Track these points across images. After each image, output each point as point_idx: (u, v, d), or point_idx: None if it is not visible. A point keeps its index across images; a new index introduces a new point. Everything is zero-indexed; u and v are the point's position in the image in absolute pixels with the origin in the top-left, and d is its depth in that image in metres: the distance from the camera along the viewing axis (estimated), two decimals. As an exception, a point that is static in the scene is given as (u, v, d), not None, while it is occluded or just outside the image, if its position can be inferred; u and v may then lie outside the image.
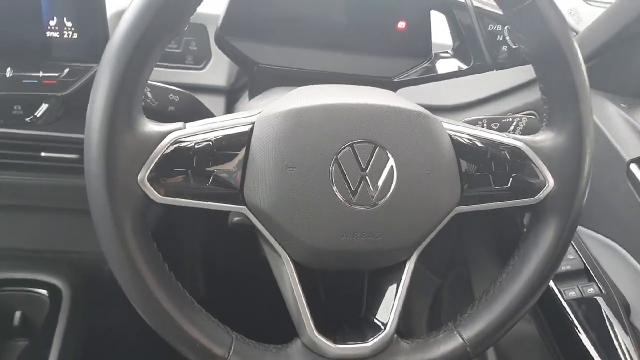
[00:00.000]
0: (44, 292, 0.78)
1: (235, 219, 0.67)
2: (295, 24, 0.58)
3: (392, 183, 0.43)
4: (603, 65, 0.77)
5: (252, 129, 0.42)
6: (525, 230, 0.51)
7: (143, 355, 1.03)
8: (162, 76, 0.65)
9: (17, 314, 0.77)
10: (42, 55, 0.56)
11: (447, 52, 0.63)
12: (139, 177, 0.39)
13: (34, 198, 0.77)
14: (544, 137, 0.48)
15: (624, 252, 0.71)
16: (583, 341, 0.68)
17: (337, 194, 0.42)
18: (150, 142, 0.39)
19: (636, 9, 0.67)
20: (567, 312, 0.70)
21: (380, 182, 0.43)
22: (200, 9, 0.41)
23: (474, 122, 0.58)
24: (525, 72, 0.79)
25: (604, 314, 0.70)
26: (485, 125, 0.58)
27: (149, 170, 0.39)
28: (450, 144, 0.45)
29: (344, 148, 0.42)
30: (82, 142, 0.65)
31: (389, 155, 0.43)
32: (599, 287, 0.71)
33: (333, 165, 0.42)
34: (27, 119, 0.57)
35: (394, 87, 0.62)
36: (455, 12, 0.58)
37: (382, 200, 0.42)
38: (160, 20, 0.38)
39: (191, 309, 0.43)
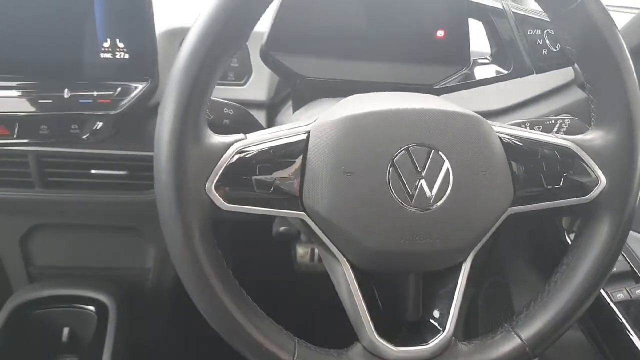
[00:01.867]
0: (92, 308, 0.80)
1: (282, 228, 0.68)
2: (337, 37, 0.59)
3: (448, 185, 0.44)
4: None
5: (308, 136, 0.44)
6: (577, 230, 0.51)
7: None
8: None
9: (65, 330, 0.78)
10: (96, 75, 0.59)
11: (485, 58, 0.64)
12: (206, 186, 0.40)
13: (80, 215, 0.79)
14: (594, 136, 0.48)
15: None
16: (635, 343, 0.67)
17: (395, 197, 0.43)
18: (216, 153, 0.41)
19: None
20: (616, 314, 0.69)
21: (437, 185, 0.43)
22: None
23: (517, 125, 0.59)
24: (558, 76, 0.80)
25: (654, 314, 0.69)
26: (528, 127, 0.58)
27: (215, 179, 0.41)
28: (501, 146, 0.46)
29: (400, 152, 0.43)
30: (130, 158, 0.68)
31: (444, 157, 0.44)
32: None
33: (390, 168, 0.43)
34: (84, 137, 0.59)
35: (434, 94, 0.63)
36: (494, 19, 0.59)
37: (439, 202, 0.43)
38: (223, 36, 0.40)
39: (256, 315, 0.44)
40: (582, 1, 0.44)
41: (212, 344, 0.45)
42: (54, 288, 0.82)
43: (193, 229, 0.40)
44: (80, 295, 0.81)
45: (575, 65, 0.81)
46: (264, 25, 0.58)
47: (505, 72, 0.61)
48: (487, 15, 0.60)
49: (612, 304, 0.70)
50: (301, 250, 0.79)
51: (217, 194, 0.41)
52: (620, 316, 0.69)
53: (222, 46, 0.40)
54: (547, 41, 0.57)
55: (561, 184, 0.47)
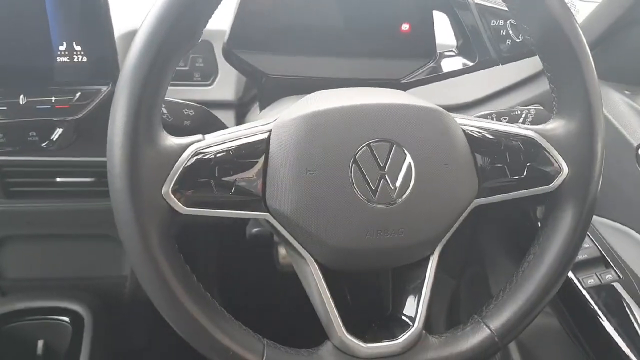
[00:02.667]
0: (66, 319, 0.78)
1: (254, 230, 0.67)
2: (301, 33, 0.59)
3: (410, 179, 0.43)
4: (603, 55, 0.78)
5: (269, 135, 0.43)
6: (542, 219, 0.51)
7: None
8: (171, 94, 0.65)
9: (40, 343, 0.77)
10: (53, 80, 0.57)
11: (451, 50, 0.64)
12: (163, 190, 0.39)
13: (49, 225, 0.77)
14: (555, 125, 0.48)
15: (638, 236, 0.71)
16: (606, 327, 0.68)
17: (358, 194, 0.42)
18: (172, 155, 0.40)
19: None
20: (587, 300, 0.70)
21: (399, 180, 0.43)
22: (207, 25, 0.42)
23: (483, 117, 0.59)
24: (528, 67, 0.81)
25: (624, 299, 0.70)
26: (494, 119, 0.59)
27: (172, 183, 0.40)
28: (464, 138, 0.46)
29: (362, 148, 0.42)
30: (96, 165, 0.66)
31: (406, 152, 0.43)
32: (616, 272, 0.71)
33: (352, 166, 0.42)
34: (43, 144, 0.57)
35: (401, 88, 0.62)
36: (458, 11, 0.59)
37: (402, 197, 0.43)
38: (174, 35, 0.39)
39: (222, 318, 0.43)
40: None
41: (195, 352, 0.44)
42: (26, 300, 0.80)
43: (151, 235, 0.39)
44: (53, 306, 0.79)
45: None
46: (225, 22, 0.57)
47: (471, 64, 0.61)
48: (451, 7, 0.60)
49: (583, 290, 0.71)
50: (283, 251, 0.78)
51: (174, 198, 0.40)
52: (592, 301, 0.70)
53: (172, 46, 0.39)
54: (511, 31, 0.57)
55: (525, 174, 0.47)
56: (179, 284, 0.40)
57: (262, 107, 0.61)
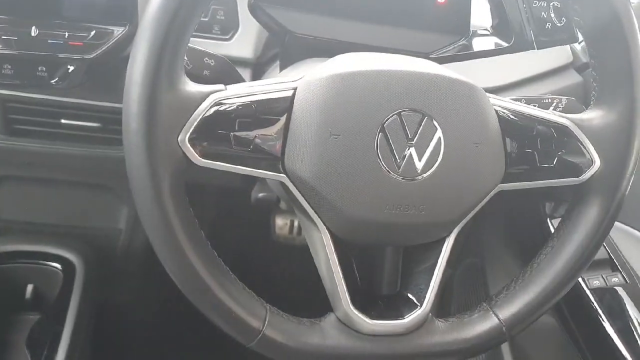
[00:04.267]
0: (58, 265, 0.76)
1: (260, 194, 0.65)
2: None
3: (438, 155, 0.41)
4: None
5: (294, 93, 0.41)
6: (565, 211, 0.49)
7: (153, 331, 1.02)
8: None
9: (29, 287, 0.75)
10: (68, 15, 0.54)
11: (486, 29, 0.61)
12: (179, 138, 0.37)
13: (49, 168, 0.75)
14: (592, 116, 0.46)
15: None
16: (607, 330, 0.67)
17: (382, 164, 0.40)
18: (192, 102, 0.38)
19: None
20: (591, 301, 0.69)
21: (426, 154, 0.41)
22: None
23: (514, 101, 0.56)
24: (558, 58, 0.78)
25: (628, 303, 0.69)
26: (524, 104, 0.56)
27: (190, 131, 0.37)
28: (496, 119, 0.44)
29: (392, 116, 0.40)
30: (104, 110, 0.63)
31: (437, 126, 0.41)
32: (623, 276, 0.70)
33: (379, 134, 0.40)
34: (52, 81, 0.55)
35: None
36: (498, -12, 0.56)
37: (427, 173, 0.41)
38: None
39: (227, 279, 0.41)
40: None
41: (185, 310, 0.42)
42: (19, 243, 0.78)
43: (163, 183, 0.37)
44: (46, 251, 0.77)
45: (576, 45, 0.79)
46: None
47: (505, 45, 0.58)
48: (492, -16, 0.57)
49: (587, 291, 0.70)
50: (280, 222, 0.76)
51: (190, 147, 0.37)
52: (595, 303, 0.69)
53: None
54: (552, 15, 0.55)
55: (554, 163, 0.45)
56: (186, 237, 0.38)
57: (282, 67, 0.58)
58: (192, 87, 0.38)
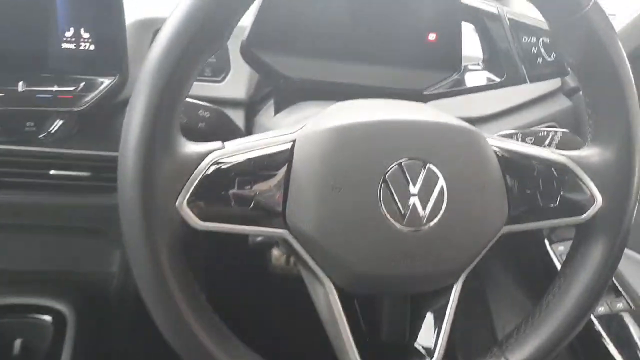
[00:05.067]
0: (48, 318, 0.73)
1: (259, 238, 0.64)
2: (324, 36, 0.55)
3: (442, 203, 0.40)
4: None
5: (293, 146, 0.40)
6: (570, 249, 0.49)
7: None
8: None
9: (18, 342, 0.72)
10: (57, 68, 0.53)
11: (477, 64, 0.61)
12: (177, 202, 0.36)
13: (38, 217, 0.73)
14: (590, 153, 0.46)
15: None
16: (614, 356, 0.66)
17: (387, 215, 0.39)
18: (190, 164, 0.37)
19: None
20: (597, 327, 0.68)
21: (430, 203, 0.40)
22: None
23: (508, 136, 0.56)
24: (546, 83, 0.79)
25: (634, 329, 0.68)
26: (520, 139, 0.56)
27: (188, 195, 0.36)
28: (496, 161, 0.43)
29: (393, 166, 0.40)
30: (94, 159, 0.62)
31: (439, 174, 0.41)
32: (627, 302, 0.69)
33: (381, 185, 0.39)
34: (41, 136, 0.53)
35: (423, 100, 0.60)
36: (488, 24, 0.57)
37: (433, 221, 0.40)
38: (204, 33, 0.35)
39: (233, 347, 0.40)
40: (587, 11, 0.41)
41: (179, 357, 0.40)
42: (6, 296, 0.75)
43: (161, 251, 0.36)
44: (35, 304, 0.74)
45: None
46: (245, 18, 0.53)
47: (498, 79, 0.58)
48: (481, 20, 0.57)
49: (593, 317, 0.69)
50: (277, 253, 0.75)
51: (189, 211, 0.36)
52: (601, 329, 0.69)
53: (199, 47, 0.36)
54: (542, 50, 0.55)
55: (557, 203, 0.45)
56: (187, 306, 0.37)
57: (277, 110, 0.58)
58: (189, 148, 0.37)
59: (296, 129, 0.41)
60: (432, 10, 0.57)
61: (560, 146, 0.55)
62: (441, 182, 0.41)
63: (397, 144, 0.40)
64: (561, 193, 0.45)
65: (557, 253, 0.74)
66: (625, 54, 0.43)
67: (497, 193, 0.43)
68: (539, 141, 0.56)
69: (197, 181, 0.37)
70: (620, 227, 0.45)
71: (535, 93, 0.80)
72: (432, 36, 0.58)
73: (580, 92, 0.84)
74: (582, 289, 0.46)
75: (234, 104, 0.64)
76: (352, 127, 0.40)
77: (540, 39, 0.55)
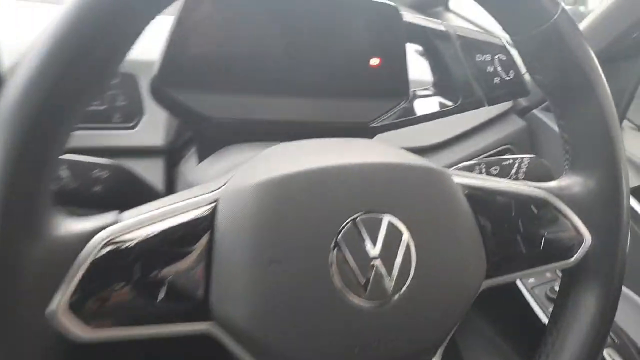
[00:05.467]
0: None
1: None
2: (250, 68, 0.47)
3: (410, 264, 0.32)
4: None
5: (215, 209, 0.31)
6: (559, 297, 0.42)
7: None
8: (81, 141, 0.51)
9: None
10: None
11: (427, 89, 0.55)
12: (50, 308, 0.26)
13: None
14: (571, 183, 0.40)
15: (633, 296, 0.65)
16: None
17: (342, 289, 0.30)
18: (69, 250, 0.27)
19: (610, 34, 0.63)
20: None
21: (396, 266, 0.32)
22: (129, 55, 0.29)
23: (470, 168, 0.50)
24: (499, 104, 0.73)
25: (619, 364, 0.62)
26: (484, 170, 0.49)
27: (68, 294, 0.26)
28: (466, 203, 0.36)
29: (346, 225, 0.31)
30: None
31: (403, 227, 0.32)
32: (611, 337, 0.63)
33: (333, 251, 0.31)
34: None
35: (370, 133, 0.52)
36: (436, 43, 0.50)
37: (401, 291, 0.32)
38: (77, 73, 0.26)
39: None
40: (556, 20, 0.35)
41: None
42: None
43: None
44: None
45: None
46: (155, 51, 0.44)
47: (452, 104, 0.52)
48: (428, 39, 0.51)
49: None
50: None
51: (71, 318, 0.26)
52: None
53: (76, 85, 0.26)
54: (499, 68, 0.49)
55: (541, 247, 0.38)
56: None
57: (201, 158, 0.48)
58: (69, 227, 0.27)
59: (218, 186, 0.32)
60: (373, 33, 0.50)
61: (530, 174, 0.49)
62: (406, 238, 0.32)
63: (348, 195, 0.32)
64: (544, 234, 0.38)
65: (535, 298, 0.67)
66: (599, 66, 0.37)
67: (472, 243, 0.36)
68: (504, 170, 0.50)
69: (81, 273, 0.26)
70: (615, 267, 0.39)
71: (487, 115, 0.75)
72: (374, 61, 0.51)
73: (534, 111, 0.81)
74: (578, 347, 0.39)
75: (150, 152, 0.55)
76: (288, 180, 0.31)
77: (496, 56, 0.49)
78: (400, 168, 0.34)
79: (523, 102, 0.77)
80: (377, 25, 0.49)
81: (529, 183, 0.40)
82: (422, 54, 0.82)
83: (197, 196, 0.31)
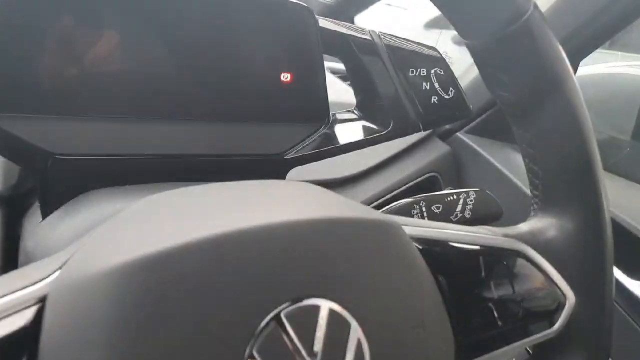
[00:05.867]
0: None
1: None
2: (116, 83, 0.34)
3: None
4: (500, 117, 0.68)
5: (39, 314, 0.18)
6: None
7: None
8: None
9: None
10: None
11: (350, 111, 0.45)
12: None
13: None
14: (543, 226, 0.32)
15: None
16: None
17: None
18: None
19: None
20: None
21: None
22: None
23: (409, 208, 0.40)
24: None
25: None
26: (424, 209, 0.40)
27: None
28: (426, 267, 0.26)
29: (264, 327, 0.20)
30: None
31: (349, 317, 0.22)
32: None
33: None
34: None
35: (284, 167, 0.41)
36: (360, 56, 0.41)
37: None
38: None
39: None
40: (527, 19, 0.27)
41: None
42: None
43: None
44: None
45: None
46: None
47: (381, 129, 0.43)
48: (350, 51, 0.41)
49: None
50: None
51: None
52: None
53: None
54: (437, 85, 0.41)
55: (520, 313, 0.29)
56: None
57: (45, 212, 0.34)
58: None
59: (50, 270, 0.19)
60: (282, 41, 0.39)
61: (478, 212, 0.41)
62: (355, 332, 0.22)
63: (266, 276, 0.20)
64: (522, 298, 0.29)
65: None
66: (572, 71, 0.29)
67: (437, 320, 0.26)
68: (448, 208, 0.41)
69: None
70: (603, 330, 0.31)
71: (408, 141, 0.67)
72: (285, 76, 0.40)
73: (458, 134, 0.76)
74: None
75: None
76: (172, 258, 0.19)
77: (433, 71, 0.40)
78: (337, 225, 0.23)
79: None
80: (286, 32, 0.39)
81: (491, 229, 0.31)
82: (333, 71, 0.72)
83: (10, 293, 0.18)
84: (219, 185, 0.26)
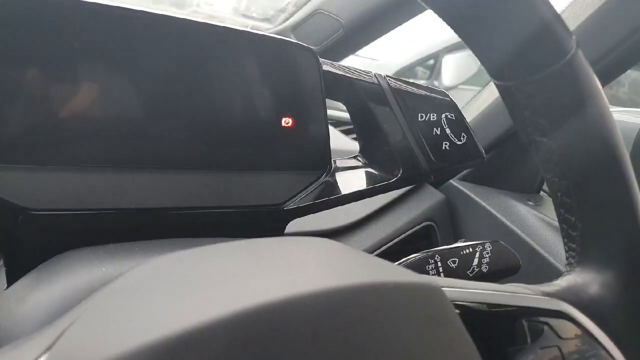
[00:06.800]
0: None
1: None
2: (102, 130, 0.30)
3: None
4: (496, 163, 0.67)
5: None
6: None
7: None
8: None
9: None
10: None
11: (354, 158, 0.42)
12: None
13: None
14: (583, 282, 0.29)
15: None
16: None
17: None
18: None
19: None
20: None
21: None
22: None
23: (423, 263, 0.37)
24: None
25: None
26: (440, 264, 0.37)
27: None
28: (463, 329, 0.22)
29: None
30: None
31: None
32: None
33: None
34: None
35: (283, 219, 0.38)
36: (365, 100, 0.38)
37: None
38: None
39: None
40: (571, 58, 0.25)
41: None
42: None
43: None
44: None
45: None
46: None
47: (388, 178, 0.40)
48: (355, 95, 0.38)
49: None
50: None
51: None
52: None
53: None
54: (448, 130, 0.38)
55: None
56: None
57: (11, 278, 0.29)
58: None
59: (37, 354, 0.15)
60: (284, 85, 0.36)
61: (495, 265, 0.38)
62: None
63: (309, 346, 0.16)
64: None
65: None
66: (617, 124, 0.27)
67: None
68: (465, 263, 0.38)
69: None
70: None
71: (400, 189, 0.64)
72: (286, 121, 0.37)
73: (451, 181, 0.74)
74: None
75: None
76: (172, 348, 0.15)
77: (443, 116, 0.38)
78: (380, 290, 0.19)
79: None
80: (289, 74, 0.36)
81: (528, 287, 0.28)
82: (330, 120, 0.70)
83: None
84: (215, 248, 0.22)
